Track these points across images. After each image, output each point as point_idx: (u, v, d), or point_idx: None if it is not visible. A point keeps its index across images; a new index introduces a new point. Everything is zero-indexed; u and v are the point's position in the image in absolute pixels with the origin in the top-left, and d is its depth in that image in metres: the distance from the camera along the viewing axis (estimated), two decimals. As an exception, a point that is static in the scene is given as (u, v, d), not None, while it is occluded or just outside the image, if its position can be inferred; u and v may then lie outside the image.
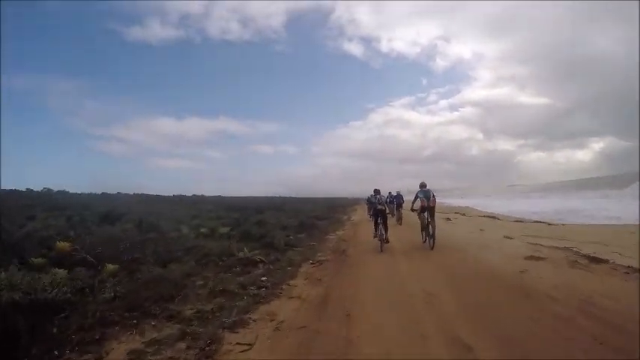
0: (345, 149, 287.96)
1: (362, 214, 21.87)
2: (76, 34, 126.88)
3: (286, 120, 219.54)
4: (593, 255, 6.48)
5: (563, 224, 13.06)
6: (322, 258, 7.57)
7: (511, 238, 9.44)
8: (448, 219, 16.45)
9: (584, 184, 57.61)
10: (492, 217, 17.70)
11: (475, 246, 8.34)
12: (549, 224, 12.92)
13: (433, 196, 8.27)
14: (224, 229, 9.90)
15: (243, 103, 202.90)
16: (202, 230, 9.85)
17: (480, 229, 11.82)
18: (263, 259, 6.92)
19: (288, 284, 5.32)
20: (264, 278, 5.60)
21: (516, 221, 14.82)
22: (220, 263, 6.50)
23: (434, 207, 8.23)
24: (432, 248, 7.94)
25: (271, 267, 6.54)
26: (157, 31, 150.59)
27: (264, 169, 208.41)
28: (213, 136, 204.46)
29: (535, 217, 16.67)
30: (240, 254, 6.91)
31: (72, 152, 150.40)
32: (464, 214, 20.09)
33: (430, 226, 8.15)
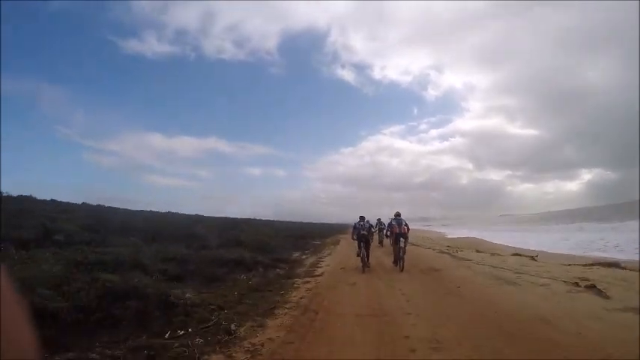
0: (336, 175, 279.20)
1: (347, 254, 11.50)
2: (73, 40, 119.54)
3: (276, 143, 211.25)
4: None
5: None
6: None
7: None
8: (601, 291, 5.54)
9: (580, 213, 48.97)
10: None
11: None
12: None
13: (405, 224, 9.05)
14: None
15: (234, 123, 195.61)
16: None
17: None
18: None
19: None
20: None
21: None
22: None
23: (405, 233, 8.85)
24: (402, 270, 8.36)
25: None
26: (153, 45, 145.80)
27: (252, 191, 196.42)
28: (203, 155, 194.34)
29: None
30: None
31: (61, 161, 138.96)
32: (570, 267, 9.32)
33: (401, 251, 8.62)
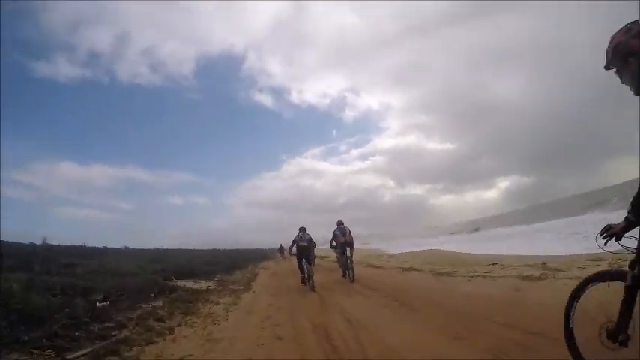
0: (259, 200, 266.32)
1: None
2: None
3: (197, 170, 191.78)
4: None
5: None
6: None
7: None
8: None
9: (508, 216, 53.13)
10: None
11: None
12: None
13: (349, 232, 8.89)
14: None
15: (151, 150, 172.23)
16: None
17: None
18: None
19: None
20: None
21: None
22: None
23: (351, 242, 8.74)
24: (353, 281, 8.16)
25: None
26: (64, 68, 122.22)
27: (175, 221, 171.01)
28: (121, 185, 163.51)
29: None
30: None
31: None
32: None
33: (349, 261, 8.51)
